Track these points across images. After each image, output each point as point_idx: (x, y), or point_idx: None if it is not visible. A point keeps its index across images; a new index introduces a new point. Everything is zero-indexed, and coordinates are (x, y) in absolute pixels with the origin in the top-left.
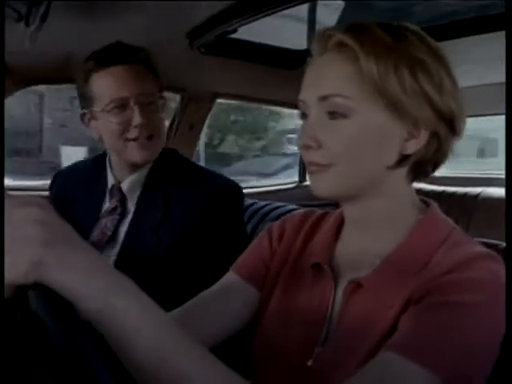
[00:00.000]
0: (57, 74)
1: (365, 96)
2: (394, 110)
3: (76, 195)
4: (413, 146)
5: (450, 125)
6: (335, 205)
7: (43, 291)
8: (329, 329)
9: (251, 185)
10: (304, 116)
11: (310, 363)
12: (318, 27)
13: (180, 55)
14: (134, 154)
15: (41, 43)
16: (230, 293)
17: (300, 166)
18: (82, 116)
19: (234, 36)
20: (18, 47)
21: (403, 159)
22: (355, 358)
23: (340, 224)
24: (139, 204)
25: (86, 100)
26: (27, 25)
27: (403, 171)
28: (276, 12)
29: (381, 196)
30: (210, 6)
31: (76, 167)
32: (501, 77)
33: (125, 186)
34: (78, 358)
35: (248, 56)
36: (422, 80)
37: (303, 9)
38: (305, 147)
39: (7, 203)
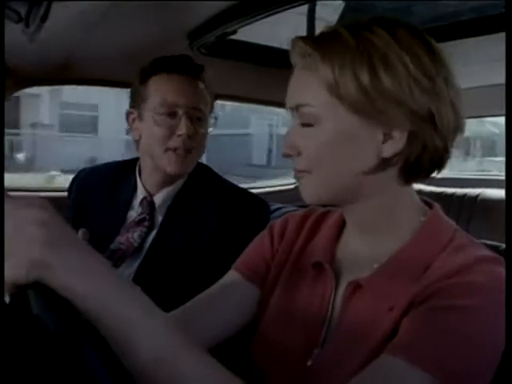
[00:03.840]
0: (57, 74)
1: (326, 102)
2: (357, 113)
3: (98, 199)
4: (390, 149)
5: (431, 123)
6: (334, 205)
7: (43, 290)
8: (328, 329)
9: (250, 186)
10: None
11: (309, 363)
12: (317, 28)
13: None
14: (171, 164)
15: (41, 44)
16: (231, 291)
17: None
18: (128, 115)
19: (233, 37)
20: (18, 48)
21: (384, 162)
22: (355, 358)
23: (342, 223)
24: (169, 217)
25: (137, 99)
26: (27, 25)
27: (393, 173)
28: (276, 13)
29: (374, 199)
30: (210, 6)
31: (99, 170)
32: (501, 78)
33: (157, 200)
34: (75, 356)
35: (248, 57)
36: (385, 79)
37: (303, 10)
38: (285, 155)
39: (9, 205)
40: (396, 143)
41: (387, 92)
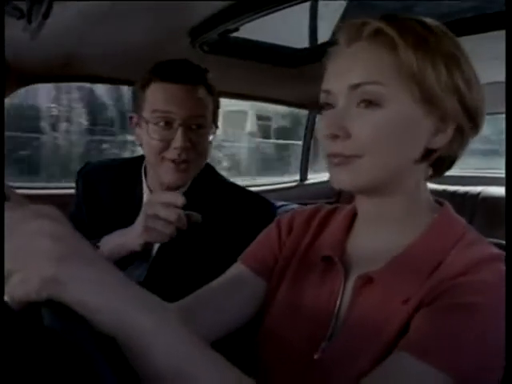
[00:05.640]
0: (58, 72)
1: (402, 85)
2: (427, 102)
3: (109, 196)
4: (440, 141)
5: (474, 121)
6: (338, 203)
7: (54, 305)
8: (336, 323)
9: (252, 184)
10: (326, 106)
11: (316, 357)
12: (319, 26)
13: (182, 54)
14: (167, 175)
15: (43, 40)
16: (237, 283)
17: (301, 164)
18: (130, 118)
19: (236, 34)
20: (20, 44)
21: (428, 154)
22: (365, 352)
23: (352, 218)
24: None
25: (137, 104)
26: (29, 22)
27: (423, 168)
28: (278, 10)
29: (398, 192)
30: (211, 4)
31: (107, 165)
32: (500, 76)
33: None
34: (82, 358)
35: (250, 54)
36: (455, 74)
37: (305, 7)
38: (331, 137)
39: (17, 213)
40: (446, 136)
41: (456, 88)
